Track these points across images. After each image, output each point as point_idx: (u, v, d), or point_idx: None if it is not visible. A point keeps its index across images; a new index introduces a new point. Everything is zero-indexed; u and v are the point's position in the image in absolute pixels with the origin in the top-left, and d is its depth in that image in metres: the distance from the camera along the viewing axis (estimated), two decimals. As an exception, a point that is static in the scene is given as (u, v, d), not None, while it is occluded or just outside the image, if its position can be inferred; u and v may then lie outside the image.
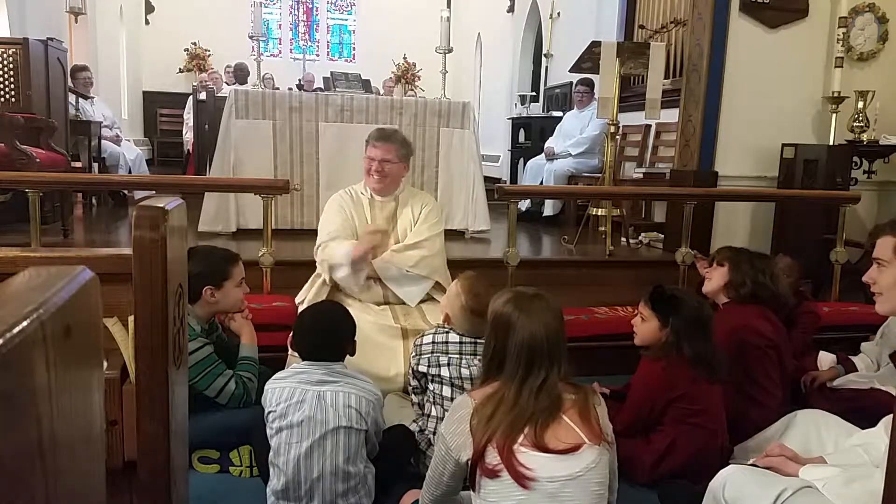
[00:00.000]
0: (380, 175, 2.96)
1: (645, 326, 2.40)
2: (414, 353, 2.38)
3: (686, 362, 2.26)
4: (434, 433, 2.23)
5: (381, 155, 2.95)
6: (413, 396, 2.45)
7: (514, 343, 1.62)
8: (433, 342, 2.34)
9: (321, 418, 1.98)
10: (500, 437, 1.53)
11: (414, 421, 2.40)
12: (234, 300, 2.48)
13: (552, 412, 1.57)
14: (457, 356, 2.29)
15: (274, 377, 2.12)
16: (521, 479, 1.50)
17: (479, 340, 2.23)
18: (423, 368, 2.32)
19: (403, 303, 2.95)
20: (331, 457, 1.97)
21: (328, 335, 2.15)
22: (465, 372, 2.26)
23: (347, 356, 2.19)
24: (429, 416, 2.32)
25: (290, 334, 2.24)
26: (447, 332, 2.35)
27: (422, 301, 2.98)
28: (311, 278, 3.00)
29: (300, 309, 2.74)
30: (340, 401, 2.01)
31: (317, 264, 2.94)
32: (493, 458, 1.53)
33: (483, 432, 1.55)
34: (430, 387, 2.32)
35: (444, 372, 2.28)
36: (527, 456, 1.52)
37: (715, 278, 2.72)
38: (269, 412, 2.04)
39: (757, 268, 2.61)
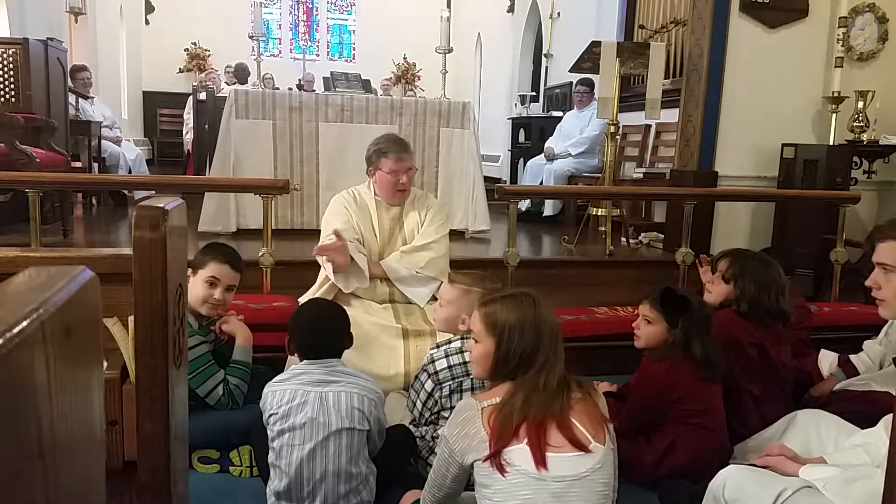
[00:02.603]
0: (406, 185, 2.96)
1: (650, 329, 2.37)
2: (432, 383, 2.24)
3: (690, 362, 2.26)
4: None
5: (407, 166, 2.95)
6: (420, 428, 2.30)
7: (545, 338, 1.64)
8: (449, 367, 2.23)
9: (323, 420, 1.98)
10: (532, 421, 1.54)
11: (412, 423, 2.37)
12: (196, 295, 2.42)
13: (565, 402, 1.59)
14: None
15: (273, 380, 2.10)
16: (540, 466, 1.50)
17: None
18: (445, 406, 2.19)
19: (407, 302, 2.95)
20: (333, 458, 1.97)
21: (323, 332, 2.14)
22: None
23: (346, 354, 2.18)
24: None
25: (287, 337, 2.19)
26: (462, 352, 2.22)
27: (423, 301, 2.99)
28: (318, 280, 2.96)
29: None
30: (343, 401, 2.00)
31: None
32: (511, 454, 1.53)
33: (517, 418, 1.54)
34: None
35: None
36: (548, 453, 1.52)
37: (716, 293, 2.66)
38: (270, 415, 2.03)
39: (762, 287, 2.51)
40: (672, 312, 2.32)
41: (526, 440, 1.52)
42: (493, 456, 1.53)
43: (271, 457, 2.02)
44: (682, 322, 2.29)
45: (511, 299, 1.72)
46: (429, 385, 2.25)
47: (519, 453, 1.52)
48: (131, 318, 1.81)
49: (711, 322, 2.33)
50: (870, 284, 1.88)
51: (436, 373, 2.23)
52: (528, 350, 1.64)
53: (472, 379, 2.19)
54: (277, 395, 2.03)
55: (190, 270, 2.40)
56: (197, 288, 2.43)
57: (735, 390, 2.46)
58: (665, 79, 4.81)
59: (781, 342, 2.59)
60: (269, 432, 2.04)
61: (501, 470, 1.52)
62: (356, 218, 2.96)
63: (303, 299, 2.88)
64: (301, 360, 2.12)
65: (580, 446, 1.54)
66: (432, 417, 2.30)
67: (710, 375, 2.28)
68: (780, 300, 2.53)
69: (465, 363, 2.20)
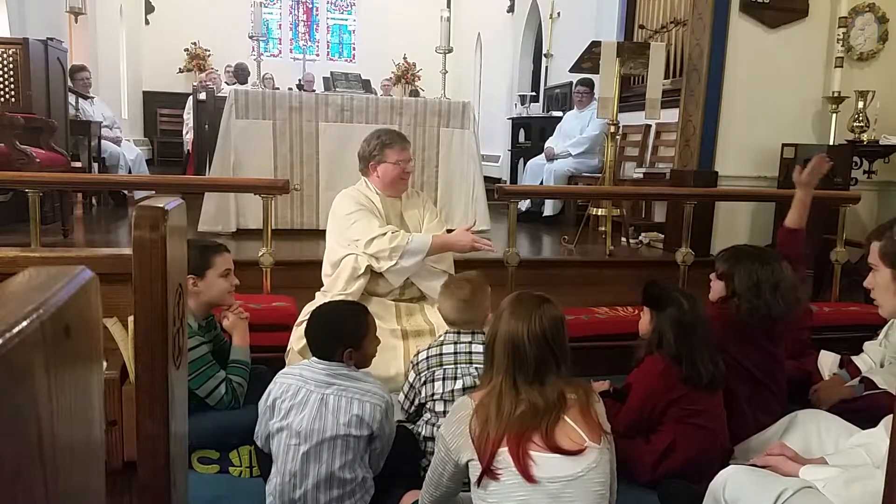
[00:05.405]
0: (409, 174, 3.03)
1: (643, 320, 2.39)
2: (414, 374, 2.34)
3: (675, 363, 2.23)
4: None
5: (409, 155, 3.02)
6: (412, 425, 2.36)
7: (499, 337, 1.65)
8: (426, 358, 2.30)
9: (319, 426, 1.96)
10: (512, 436, 1.53)
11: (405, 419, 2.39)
12: (219, 290, 2.44)
13: (557, 412, 1.57)
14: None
15: (284, 370, 2.14)
16: (529, 476, 1.50)
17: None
18: (423, 396, 2.29)
19: (410, 301, 2.95)
20: (326, 463, 1.95)
21: (327, 336, 2.10)
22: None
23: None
24: None
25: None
26: (441, 345, 2.30)
27: (422, 299, 2.98)
28: (344, 277, 2.84)
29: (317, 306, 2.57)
30: (343, 406, 1.98)
31: (369, 258, 2.80)
32: (497, 459, 1.53)
33: (493, 430, 1.54)
34: None
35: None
36: (535, 455, 1.52)
37: (713, 290, 2.57)
38: (275, 398, 2.03)
39: (758, 286, 2.38)
40: (650, 306, 2.33)
41: (508, 449, 1.53)
42: (485, 472, 1.53)
43: (273, 451, 2.03)
44: (656, 318, 2.28)
45: (513, 294, 1.73)
46: (411, 376, 2.36)
47: (509, 456, 1.52)
48: (131, 318, 1.81)
49: (695, 328, 2.23)
50: (866, 286, 1.90)
51: (416, 364, 2.34)
52: (489, 342, 1.68)
53: (444, 369, 2.26)
54: (284, 386, 2.04)
55: (194, 278, 2.37)
56: (218, 284, 2.43)
57: (725, 391, 2.43)
58: (665, 79, 4.82)
59: (765, 344, 2.49)
60: (272, 422, 2.02)
61: (494, 477, 1.52)
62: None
63: (321, 297, 2.81)
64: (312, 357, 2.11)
65: (577, 447, 1.53)
66: (414, 409, 2.37)
67: (691, 377, 2.20)
68: (775, 299, 2.40)
69: (440, 354, 2.28)
